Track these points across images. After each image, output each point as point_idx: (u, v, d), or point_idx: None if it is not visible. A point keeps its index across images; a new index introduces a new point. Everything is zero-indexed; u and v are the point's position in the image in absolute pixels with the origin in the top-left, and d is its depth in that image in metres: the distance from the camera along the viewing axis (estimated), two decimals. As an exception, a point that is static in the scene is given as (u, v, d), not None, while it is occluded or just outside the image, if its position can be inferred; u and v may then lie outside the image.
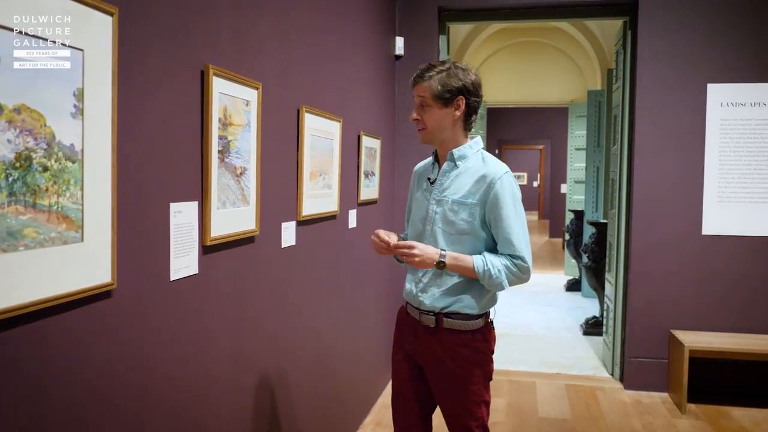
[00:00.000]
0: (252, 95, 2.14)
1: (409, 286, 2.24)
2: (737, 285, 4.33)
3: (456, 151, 2.17)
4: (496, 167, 2.13)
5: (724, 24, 4.27)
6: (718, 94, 4.29)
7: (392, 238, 2.10)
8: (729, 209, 4.32)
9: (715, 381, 4.37)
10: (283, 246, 2.52)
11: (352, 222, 3.53)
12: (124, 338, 1.52)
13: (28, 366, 1.23)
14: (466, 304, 2.14)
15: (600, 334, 5.78)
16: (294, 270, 2.66)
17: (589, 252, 6.13)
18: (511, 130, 16.78)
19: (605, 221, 5.96)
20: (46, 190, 1.24)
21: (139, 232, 1.56)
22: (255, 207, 2.21)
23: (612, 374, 4.76)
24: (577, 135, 9.00)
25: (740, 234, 4.32)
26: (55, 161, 1.26)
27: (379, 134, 4.09)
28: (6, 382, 1.18)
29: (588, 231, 7.13)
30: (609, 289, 4.97)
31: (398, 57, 4.57)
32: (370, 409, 3.98)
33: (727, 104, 4.29)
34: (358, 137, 3.59)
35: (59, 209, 1.28)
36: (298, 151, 2.65)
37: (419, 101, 2.15)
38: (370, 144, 3.84)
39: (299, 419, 2.75)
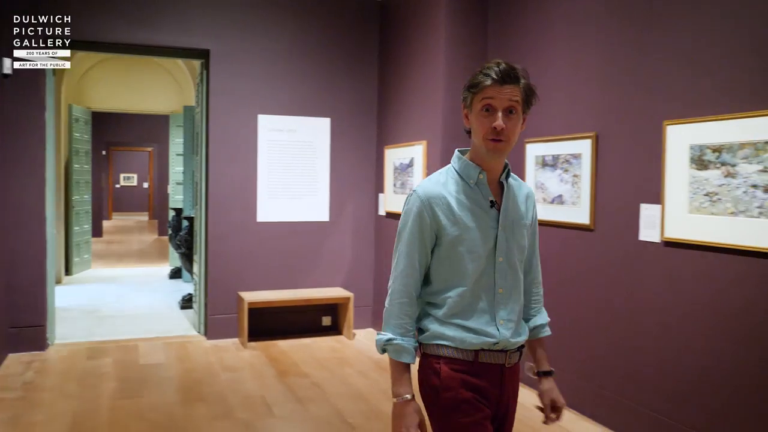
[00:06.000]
0: None
1: (491, 331, 1.82)
2: (282, 256, 6.19)
3: (509, 169, 1.89)
4: (526, 183, 2.01)
5: (269, 73, 6.07)
6: (266, 123, 6.09)
7: None
8: (275, 203, 6.15)
9: (269, 324, 6.18)
10: None
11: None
12: None
13: None
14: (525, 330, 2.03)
15: (193, 307, 7.20)
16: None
17: (183, 242, 7.52)
18: (119, 133, 17.24)
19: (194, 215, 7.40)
20: None
21: None
22: None
23: (199, 332, 6.22)
24: (177, 142, 10.25)
25: (283, 220, 6.19)
26: None
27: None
28: None
29: (186, 225, 8.50)
30: (196, 267, 6.41)
31: (6, 75, 5.20)
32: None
33: (272, 130, 6.12)
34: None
35: None
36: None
37: (507, 106, 1.72)
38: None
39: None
